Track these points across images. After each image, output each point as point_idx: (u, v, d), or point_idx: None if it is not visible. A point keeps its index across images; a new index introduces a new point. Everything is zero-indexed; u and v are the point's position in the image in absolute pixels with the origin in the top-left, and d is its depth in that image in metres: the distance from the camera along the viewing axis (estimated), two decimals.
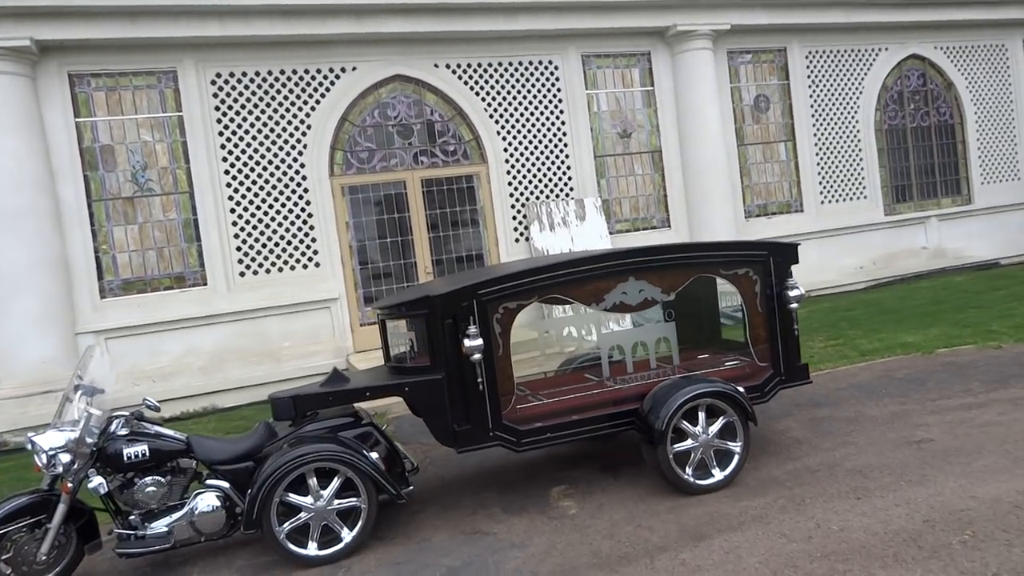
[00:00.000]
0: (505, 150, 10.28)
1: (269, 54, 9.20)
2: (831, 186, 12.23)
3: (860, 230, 12.34)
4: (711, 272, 4.83)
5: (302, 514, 4.11)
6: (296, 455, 4.10)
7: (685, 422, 4.45)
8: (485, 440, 4.39)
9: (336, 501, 4.18)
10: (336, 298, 9.41)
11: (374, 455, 4.29)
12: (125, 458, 4.15)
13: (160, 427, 4.38)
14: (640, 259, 4.63)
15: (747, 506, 4.18)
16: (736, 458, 4.52)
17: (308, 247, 9.39)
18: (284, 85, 9.31)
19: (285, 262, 9.31)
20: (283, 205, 9.29)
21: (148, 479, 4.21)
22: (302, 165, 9.36)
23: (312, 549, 4.12)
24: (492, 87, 10.22)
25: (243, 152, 9.14)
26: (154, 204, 8.87)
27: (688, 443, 4.45)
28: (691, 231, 11.23)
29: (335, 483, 4.17)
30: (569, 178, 10.64)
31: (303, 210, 9.37)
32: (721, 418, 4.53)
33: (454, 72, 10.04)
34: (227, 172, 9.07)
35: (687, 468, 4.44)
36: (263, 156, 9.22)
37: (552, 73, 10.53)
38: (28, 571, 4.11)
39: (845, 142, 12.31)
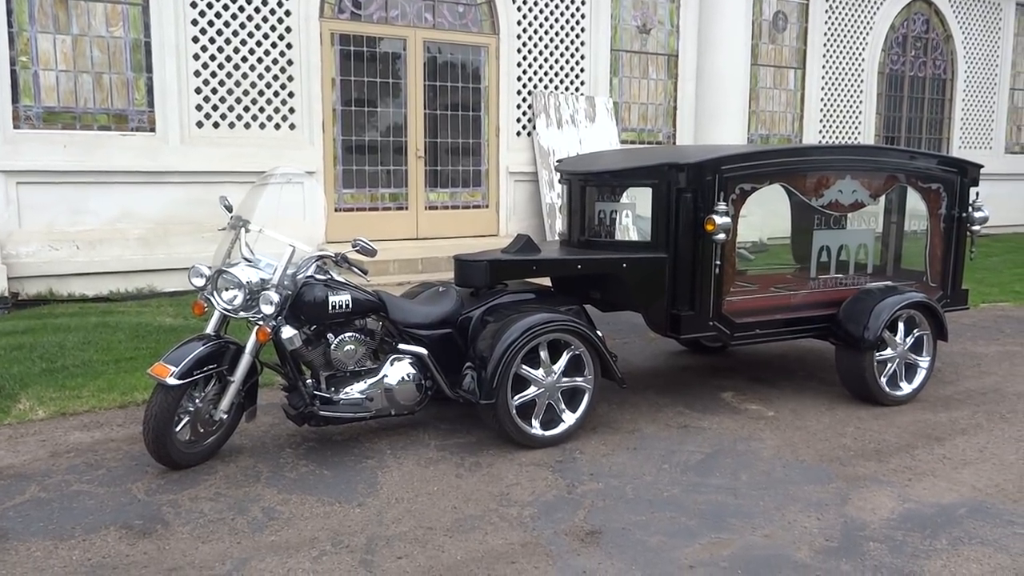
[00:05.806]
0: (519, 23, 10.52)
1: None
2: (829, 127, 13.74)
3: None
4: (910, 183, 5.68)
5: (531, 389, 4.46)
6: (538, 322, 4.41)
7: (887, 331, 5.30)
8: (704, 329, 4.96)
9: (563, 379, 4.56)
10: (312, 172, 9.27)
11: (599, 333, 4.72)
12: (329, 307, 4.24)
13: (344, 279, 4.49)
14: (859, 157, 5.38)
15: (953, 417, 5.15)
16: (923, 373, 5.47)
17: (284, 103, 9.14)
18: None
19: (254, 117, 9.00)
20: (258, 44, 8.95)
21: (347, 335, 4.33)
22: None
23: (537, 428, 4.49)
24: None
25: None
26: (95, 12, 8.18)
27: (888, 352, 5.31)
28: None
29: (565, 358, 4.55)
30: (582, 70, 11.12)
31: (282, 54, 9.08)
32: (915, 331, 5.44)
33: None
34: None
35: (881, 378, 5.31)
36: None
37: None
38: (202, 432, 4.12)
39: (849, 81, 13.83)
